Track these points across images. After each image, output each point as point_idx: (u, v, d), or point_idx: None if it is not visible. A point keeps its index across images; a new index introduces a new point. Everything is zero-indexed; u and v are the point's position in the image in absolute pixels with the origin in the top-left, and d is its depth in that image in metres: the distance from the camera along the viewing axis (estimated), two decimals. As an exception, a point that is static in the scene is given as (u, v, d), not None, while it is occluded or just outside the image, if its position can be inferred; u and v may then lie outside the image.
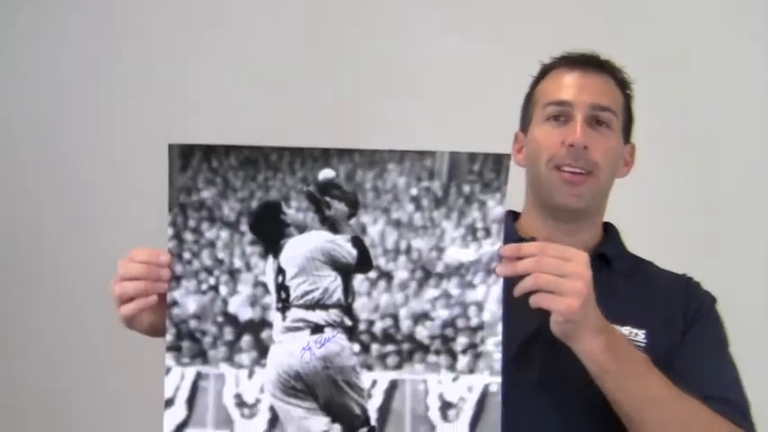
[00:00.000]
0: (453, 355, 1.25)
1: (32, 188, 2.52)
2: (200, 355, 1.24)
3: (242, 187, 1.24)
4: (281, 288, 1.25)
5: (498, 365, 1.24)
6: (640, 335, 1.44)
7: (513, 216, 1.58)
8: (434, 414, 1.25)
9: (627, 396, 1.30)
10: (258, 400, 1.24)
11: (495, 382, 1.24)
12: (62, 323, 2.49)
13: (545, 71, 1.58)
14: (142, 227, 2.38)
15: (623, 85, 1.57)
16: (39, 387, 2.50)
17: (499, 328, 1.24)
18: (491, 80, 2.37)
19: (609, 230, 1.59)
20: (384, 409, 1.24)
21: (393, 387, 1.25)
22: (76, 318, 2.47)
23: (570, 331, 1.25)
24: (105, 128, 2.52)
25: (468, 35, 2.47)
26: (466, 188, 1.26)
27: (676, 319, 1.47)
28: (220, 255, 1.25)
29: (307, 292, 1.25)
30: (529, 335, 1.40)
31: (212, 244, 1.25)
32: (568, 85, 1.52)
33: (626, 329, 1.43)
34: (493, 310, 1.24)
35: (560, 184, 1.48)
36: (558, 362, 1.34)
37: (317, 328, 1.24)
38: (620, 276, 1.52)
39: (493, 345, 1.24)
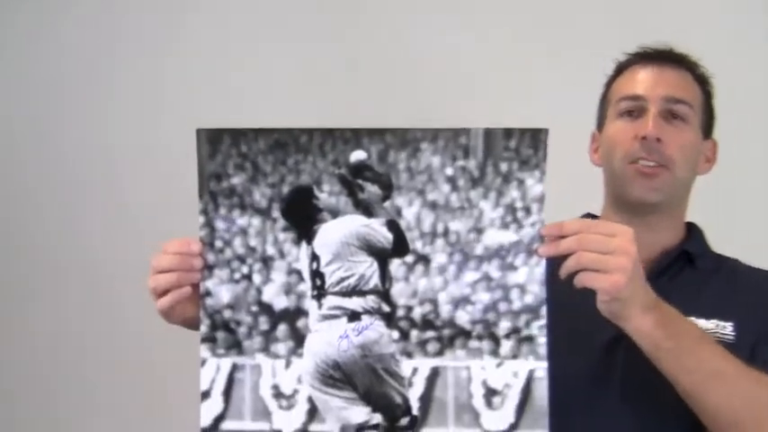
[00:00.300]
0: (496, 340, 1.20)
1: (41, 186, 2.52)
2: (236, 346, 1.21)
3: (272, 172, 1.21)
4: (316, 275, 1.21)
5: (544, 350, 1.20)
6: (728, 327, 1.38)
7: (591, 219, 1.53)
8: (478, 402, 1.20)
9: (686, 372, 1.24)
10: (296, 391, 1.21)
11: (541, 368, 1.20)
12: (65, 323, 2.50)
13: (620, 68, 1.54)
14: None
15: (702, 80, 1.51)
16: (44, 388, 2.50)
17: (543, 311, 1.20)
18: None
19: (692, 230, 1.53)
20: (426, 398, 1.20)
21: (434, 374, 1.21)
22: (81, 317, 2.47)
23: (617, 310, 1.20)
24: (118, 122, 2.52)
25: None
26: (503, 166, 1.22)
27: (764, 310, 1.41)
28: (253, 242, 1.22)
29: (342, 279, 1.21)
30: (611, 337, 1.34)
31: (244, 231, 1.21)
32: (642, 80, 1.47)
33: (712, 323, 1.38)
34: (536, 292, 1.20)
35: (635, 177, 1.43)
36: (641, 365, 1.28)
37: (354, 316, 1.21)
38: (704, 273, 1.47)
39: (537, 328, 1.20)
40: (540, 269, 1.20)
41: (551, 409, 1.19)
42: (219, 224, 1.21)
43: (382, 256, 1.21)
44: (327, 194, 1.21)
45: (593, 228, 1.18)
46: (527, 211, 1.21)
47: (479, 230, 1.21)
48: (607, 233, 1.18)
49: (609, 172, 1.49)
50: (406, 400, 1.20)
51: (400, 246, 1.21)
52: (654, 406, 1.34)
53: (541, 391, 1.19)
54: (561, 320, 1.25)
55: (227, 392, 1.21)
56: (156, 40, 2.51)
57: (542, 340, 1.20)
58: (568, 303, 1.21)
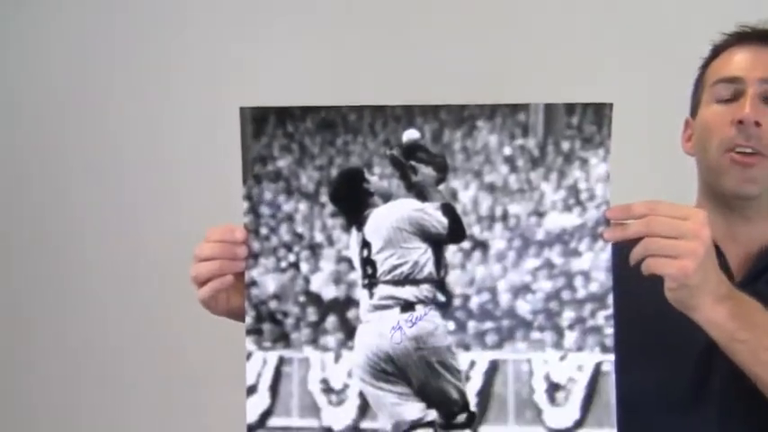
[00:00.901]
0: (560, 332, 1.13)
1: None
2: (283, 339, 1.15)
3: (320, 154, 1.15)
4: (367, 263, 1.14)
5: (610, 341, 1.12)
6: None
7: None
8: (541, 397, 1.13)
9: (763, 366, 1.15)
10: (346, 386, 1.14)
11: (608, 361, 1.12)
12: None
13: (716, 50, 1.42)
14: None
15: None
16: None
17: (610, 299, 1.12)
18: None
19: None
20: (484, 393, 1.13)
21: (493, 368, 1.13)
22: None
23: (686, 298, 1.11)
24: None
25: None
26: (565, 145, 1.14)
27: None
28: (300, 229, 1.15)
29: (395, 267, 1.14)
30: (704, 347, 1.24)
31: (290, 217, 1.15)
32: (739, 61, 1.36)
33: None
34: (602, 280, 1.12)
35: (730, 167, 1.31)
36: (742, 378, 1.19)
37: (407, 306, 1.14)
38: None
39: (603, 318, 1.12)
40: (605, 255, 1.12)
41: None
42: (265, 210, 1.15)
43: (437, 243, 1.14)
44: (378, 177, 1.14)
45: (662, 209, 1.10)
46: (591, 192, 1.13)
47: (540, 214, 1.14)
48: (678, 216, 1.09)
49: (702, 161, 1.38)
50: (463, 395, 1.13)
51: (456, 231, 1.14)
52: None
53: (609, 386, 1.11)
54: (638, 324, 1.19)
55: (274, 387, 1.15)
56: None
57: (609, 331, 1.12)
58: (647, 302, 1.13)
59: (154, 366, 2.33)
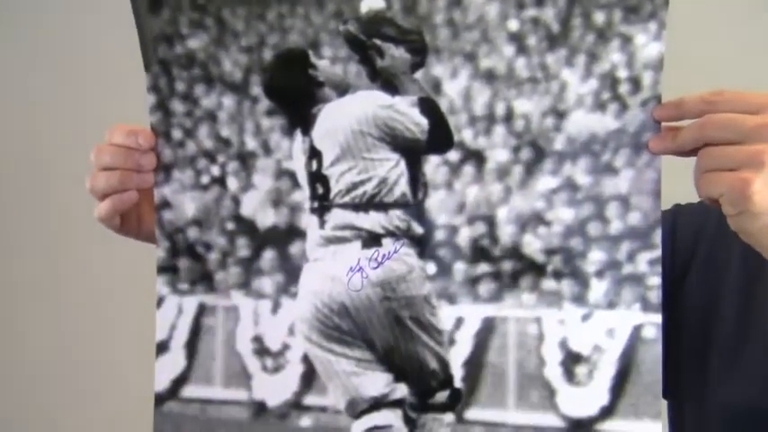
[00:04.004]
0: (583, 280, 0.80)
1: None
2: (204, 280, 0.87)
3: (246, 31, 0.86)
4: (317, 179, 0.84)
5: (657, 296, 0.78)
6: None
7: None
8: (554, 372, 0.81)
9: None
10: (286, 347, 0.85)
11: (652, 324, 0.78)
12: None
13: None
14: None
15: None
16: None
17: (657, 237, 0.78)
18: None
19: None
20: (474, 363, 0.81)
21: (488, 329, 0.82)
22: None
23: (747, 223, 0.75)
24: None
25: None
26: (598, 16, 0.80)
27: None
28: (225, 132, 0.86)
29: (354, 185, 0.83)
30: None
31: (212, 116, 0.86)
32: None
33: None
34: (646, 208, 0.78)
35: None
36: None
37: (371, 239, 0.83)
38: None
39: (647, 264, 0.78)
40: (653, 173, 0.78)
41: None
42: (177, 106, 0.86)
43: (413, 153, 0.83)
44: (329, 61, 0.83)
45: (725, 102, 0.75)
46: (635, 83, 0.79)
47: (560, 113, 0.80)
48: (745, 108, 0.74)
49: None
50: (444, 365, 0.82)
51: (439, 137, 0.82)
52: None
53: (653, 360, 0.78)
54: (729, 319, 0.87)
55: (192, 345, 0.87)
56: None
57: (654, 281, 0.78)
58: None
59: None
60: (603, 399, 0.80)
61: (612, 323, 0.80)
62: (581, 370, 0.80)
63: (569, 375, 0.81)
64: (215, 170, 0.86)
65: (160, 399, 0.87)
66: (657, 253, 0.79)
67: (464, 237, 0.82)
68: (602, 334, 0.80)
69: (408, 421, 0.83)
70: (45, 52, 2.15)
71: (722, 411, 0.87)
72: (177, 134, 0.86)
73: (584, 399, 0.80)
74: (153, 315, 0.90)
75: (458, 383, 0.82)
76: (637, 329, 0.79)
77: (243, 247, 0.86)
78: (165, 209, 0.87)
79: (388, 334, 0.83)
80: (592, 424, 0.80)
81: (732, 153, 0.74)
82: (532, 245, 0.81)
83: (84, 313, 2.18)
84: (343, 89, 0.83)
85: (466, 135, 0.82)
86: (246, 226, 0.86)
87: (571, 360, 0.81)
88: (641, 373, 0.79)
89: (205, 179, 0.87)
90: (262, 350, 0.86)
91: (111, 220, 0.88)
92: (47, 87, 2.17)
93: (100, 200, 0.88)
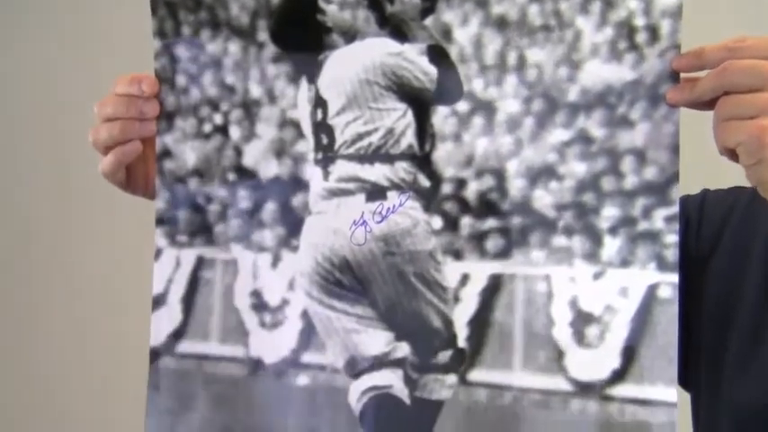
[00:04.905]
0: (596, 237, 0.76)
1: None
2: (204, 232, 0.84)
3: (254, -28, 0.82)
4: (322, 129, 0.81)
5: (674, 254, 0.74)
6: None
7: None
8: (563, 332, 0.76)
9: None
10: (286, 302, 0.82)
11: (668, 283, 0.74)
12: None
13: None
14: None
15: None
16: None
17: (674, 192, 0.74)
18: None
19: None
20: (480, 322, 0.78)
21: (495, 287, 0.78)
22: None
23: (766, 172, 0.72)
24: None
25: None
26: (616, -40, 0.77)
27: None
28: (229, 79, 0.83)
29: (360, 136, 0.80)
30: None
31: (217, 62, 0.83)
32: None
33: None
34: (663, 162, 0.74)
35: None
36: None
37: (375, 192, 0.80)
38: None
39: (663, 221, 0.74)
40: (671, 126, 0.75)
41: None
42: (182, 51, 0.83)
43: (421, 103, 0.79)
44: (338, 6, 0.80)
45: (748, 49, 0.71)
46: (652, 32, 0.75)
47: (574, 63, 0.77)
48: (762, 54, 0.70)
49: None
50: (448, 323, 0.78)
51: (449, 86, 0.79)
52: None
53: (668, 321, 0.74)
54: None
55: (189, 299, 0.84)
56: None
57: (671, 239, 0.74)
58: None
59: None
60: (615, 362, 0.75)
61: (626, 282, 0.75)
62: (592, 331, 0.76)
63: (579, 336, 0.76)
64: (218, 118, 0.83)
65: (156, 353, 0.84)
66: (675, 209, 0.74)
67: (472, 190, 0.79)
68: (615, 293, 0.76)
69: (409, 382, 0.79)
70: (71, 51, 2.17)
71: (735, 409, 0.83)
72: (181, 81, 0.84)
73: (595, 361, 0.76)
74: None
75: (462, 343, 0.78)
76: (652, 289, 0.75)
77: (244, 199, 0.83)
78: (165, 158, 0.84)
79: (390, 290, 0.80)
80: (602, 388, 0.75)
81: (752, 100, 0.70)
82: (543, 199, 0.77)
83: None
84: (351, 36, 0.80)
85: (476, 85, 0.79)
86: (248, 177, 0.83)
87: (581, 320, 0.76)
88: (656, 336, 0.74)
89: (207, 128, 0.84)
90: (260, 305, 0.82)
91: (115, 174, 0.85)
92: (70, 83, 2.19)
93: (103, 154, 0.87)
